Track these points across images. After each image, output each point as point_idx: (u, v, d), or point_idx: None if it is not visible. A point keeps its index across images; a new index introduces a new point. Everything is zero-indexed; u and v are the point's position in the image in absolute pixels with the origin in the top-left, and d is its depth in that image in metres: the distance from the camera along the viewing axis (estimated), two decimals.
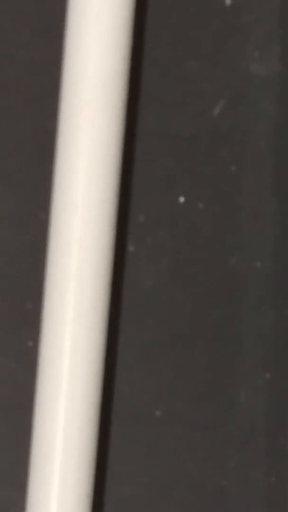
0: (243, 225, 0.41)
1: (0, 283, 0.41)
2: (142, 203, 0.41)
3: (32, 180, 0.41)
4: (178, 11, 0.41)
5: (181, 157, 0.41)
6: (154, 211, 0.41)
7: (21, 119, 0.42)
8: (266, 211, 0.41)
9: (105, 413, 0.40)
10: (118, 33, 0.38)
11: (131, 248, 0.41)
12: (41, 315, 0.38)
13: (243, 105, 0.41)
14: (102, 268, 0.38)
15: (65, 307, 0.38)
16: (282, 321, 0.41)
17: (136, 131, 0.41)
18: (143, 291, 0.41)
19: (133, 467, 0.41)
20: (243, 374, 0.41)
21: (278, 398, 0.41)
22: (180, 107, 0.41)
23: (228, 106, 0.41)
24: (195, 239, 0.41)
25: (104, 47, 0.38)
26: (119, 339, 0.41)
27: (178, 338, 0.41)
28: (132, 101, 0.40)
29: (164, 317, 0.41)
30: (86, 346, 0.38)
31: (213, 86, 0.41)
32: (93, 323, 0.38)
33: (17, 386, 0.40)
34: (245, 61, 0.41)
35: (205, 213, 0.41)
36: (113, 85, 0.38)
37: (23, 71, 0.42)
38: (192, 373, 0.41)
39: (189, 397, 0.41)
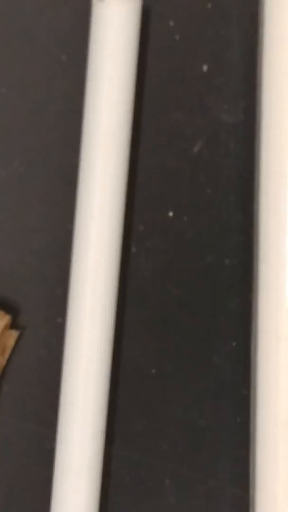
0: (216, 232, 0.43)
1: (38, 277, 0.43)
2: (142, 216, 0.43)
3: (61, 200, 0.43)
4: (169, 76, 0.43)
5: (170, 182, 0.43)
6: (150, 222, 0.43)
7: (52, 156, 0.43)
8: (233, 222, 0.42)
9: (114, 370, 0.42)
10: (124, 93, 0.41)
11: (133, 249, 0.43)
12: (68, 299, 0.41)
13: (216, 145, 0.43)
14: (112, 263, 0.41)
15: (85, 292, 0.40)
16: (244, 304, 0.42)
17: (138, 164, 0.43)
18: (142, 281, 0.43)
19: (133, 410, 0.43)
20: (216, 343, 0.42)
21: (241, 360, 0.42)
22: (169, 145, 0.43)
23: (205, 145, 0.43)
24: (180, 243, 0.43)
25: (113, 103, 0.40)
26: (124, 317, 0.43)
27: (169, 316, 0.43)
28: (135, 142, 0.42)
29: (158, 300, 0.43)
30: (101, 321, 0.40)
31: (194, 130, 0.43)
32: (106, 304, 0.40)
33: (50, 351, 0.43)
34: (217, 112, 0.43)
35: (188, 224, 0.43)
36: (120, 130, 0.41)
37: (55, 120, 0.43)
38: (179, 342, 0.42)
39: (177, 359, 0.42)
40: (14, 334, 0.42)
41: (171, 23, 0.43)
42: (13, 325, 0.43)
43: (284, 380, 0.38)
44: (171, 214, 0.43)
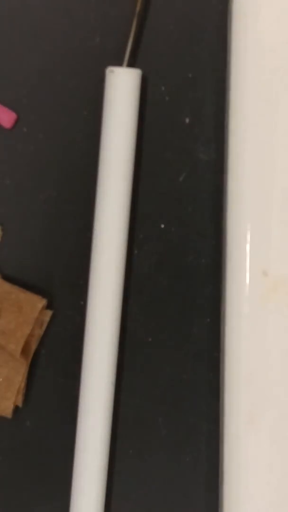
0: (195, 239, 0.44)
1: (67, 272, 0.44)
2: (142, 227, 0.45)
3: (83, 216, 0.44)
4: (161, 126, 0.44)
5: (162, 203, 0.45)
6: (147, 232, 0.45)
7: (76, 184, 0.44)
8: (207, 231, 0.44)
9: (121, 338, 0.43)
10: (129, 138, 0.43)
11: (135, 251, 0.44)
12: (88, 288, 0.43)
13: (195, 175, 0.44)
14: (120, 262, 0.43)
15: (100, 283, 0.42)
16: (216, 291, 0.44)
17: (139, 189, 0.45)
18: (142, 275, 0.45)
19: (135, 367, 0.44)
20: (196, 319, 0.44)
21: (213, 332, 0.44)
22: (162, 176, 0.45)
23: (187, 176, 0.44)
24: (169, 246, 0.44)
25: (121, 145, 0.42)
26: (129, 300, 0.44)
27: (161, 299, 0.44)
28: (136, 174, 0.44)
29: (153, 288, 0.44)
30: (111, 303, 0.42)
31: (179, 165, 0.44)
32: (115, 291, 0.43)
33: (74, 325, 0.44)
34: (196, 152, 0.44)
35: (175, 233, 0.44)
36: (127, 165, 0.43)
37: (79, 155, 0.44)
38: (169, 318, 0.44)
39: (167, 331, 0.44)
40: (49, 313, 0.44)
41: (162, 88, 0.44)
42: (48, 306, 0.44)
43: (244, 347, 0.40)
44: (162, 226, 0.44)
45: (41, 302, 0.43)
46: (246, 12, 0.41)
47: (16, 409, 0.43)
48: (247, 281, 0.40)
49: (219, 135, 0.44)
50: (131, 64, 0.43)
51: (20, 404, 0.43)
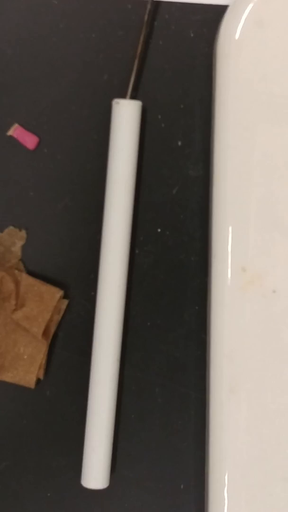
0: (186, 240, 0.45)
1: (80, 267, 0.45)
2: (142, 231, 0.45)
3: (93, 221, 0.44)
4: (158, 148, 0.45)
5: (158, 211, 0.45)
6: (146, 235, 0.45)
7: (87, 196, 0.45)
8: (196, 234, 0.45)
9: (124, 323, 0.44)
10: (131, 159, 0.44)
11: (136, 251, 0.45)
12: (97, 281, 0.44)
13: (187, 189, 0.45)
14: (124, 260, 0.44)
15: (108, 277, 0.43)
16: (203, 284, 0.45)
17: (139, 201, 0.45)
18: (142, 271, 0.45)
19: (136, 346, 0.45)
20: (187, 306, 0.45)
21: (201, 317, 0.45)
22: (158, 189, 0.45)
23: (180, 189, 0.45)
24: (165, 247, 0.45)
25: (125, 164, 0.43)
26: (131, 291, 0.45)
27: (158, 291, 0.45)
28: (137, 187, 0.45)
29: (151, 282, 0.45)
30: (117, 294, 0.43)
31: (172, 180, 0.45)
32: (120, 284, 0.44)
33: (86, 312, 0.45)
34: (186, 170, 0.45)
35: (170, 236, 0.45)
36: (129, 181, 0.43)
37: (90, 174, 0.45)
38: (164, 306, 0.45)
39: (162, 316, 0.45)
40: (65, 302, 0.44)
41: (159, 116, 0.45)
42: (64, 296, 0.45)
43: (226, 329, 0.41)
44: (159, 230, 0.45)
45: (59, 292, 0.44)
46: (228, 54, 0.42)
47: (38, 381, 0.44)
48: (229, 275, 0.41)
49: (206, 155, 0.45)
50: (133, 97, 0.44)
51: (41, 377, 0.44)
